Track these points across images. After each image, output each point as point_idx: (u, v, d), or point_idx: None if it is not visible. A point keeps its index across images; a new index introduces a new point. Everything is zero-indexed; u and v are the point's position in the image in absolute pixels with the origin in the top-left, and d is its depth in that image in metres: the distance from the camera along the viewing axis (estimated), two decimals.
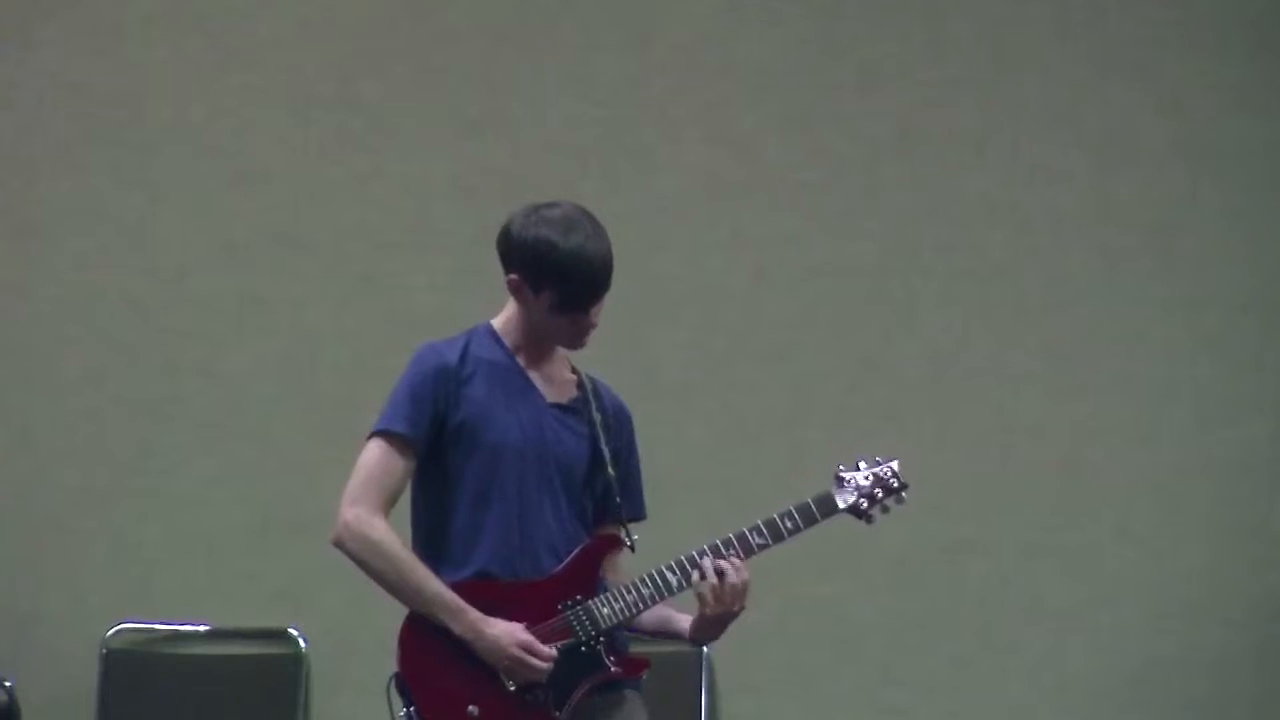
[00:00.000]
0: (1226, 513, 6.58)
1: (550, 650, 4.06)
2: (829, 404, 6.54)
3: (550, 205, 4.21)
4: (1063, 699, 6.47)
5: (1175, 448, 6.59)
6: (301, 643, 6.29)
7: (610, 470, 4.25)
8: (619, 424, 4.30)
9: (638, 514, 4.33)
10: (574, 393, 4.28)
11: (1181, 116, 6.66)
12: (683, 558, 4.14)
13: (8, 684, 6.06)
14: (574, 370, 4.32)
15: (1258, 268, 6.65)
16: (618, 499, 4.26)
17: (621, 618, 4.13)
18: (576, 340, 4.24)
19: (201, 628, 6.31)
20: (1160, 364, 6.61)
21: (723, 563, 4.12)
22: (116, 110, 6.48)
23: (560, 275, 4.13)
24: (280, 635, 6.31)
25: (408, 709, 4.06)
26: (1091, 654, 6.48)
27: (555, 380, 4.27)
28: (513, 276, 4.20)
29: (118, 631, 6.28)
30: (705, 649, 6.23)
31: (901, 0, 6.69)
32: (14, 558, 6.34)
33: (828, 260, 6.56)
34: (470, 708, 4.04)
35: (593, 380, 4.32)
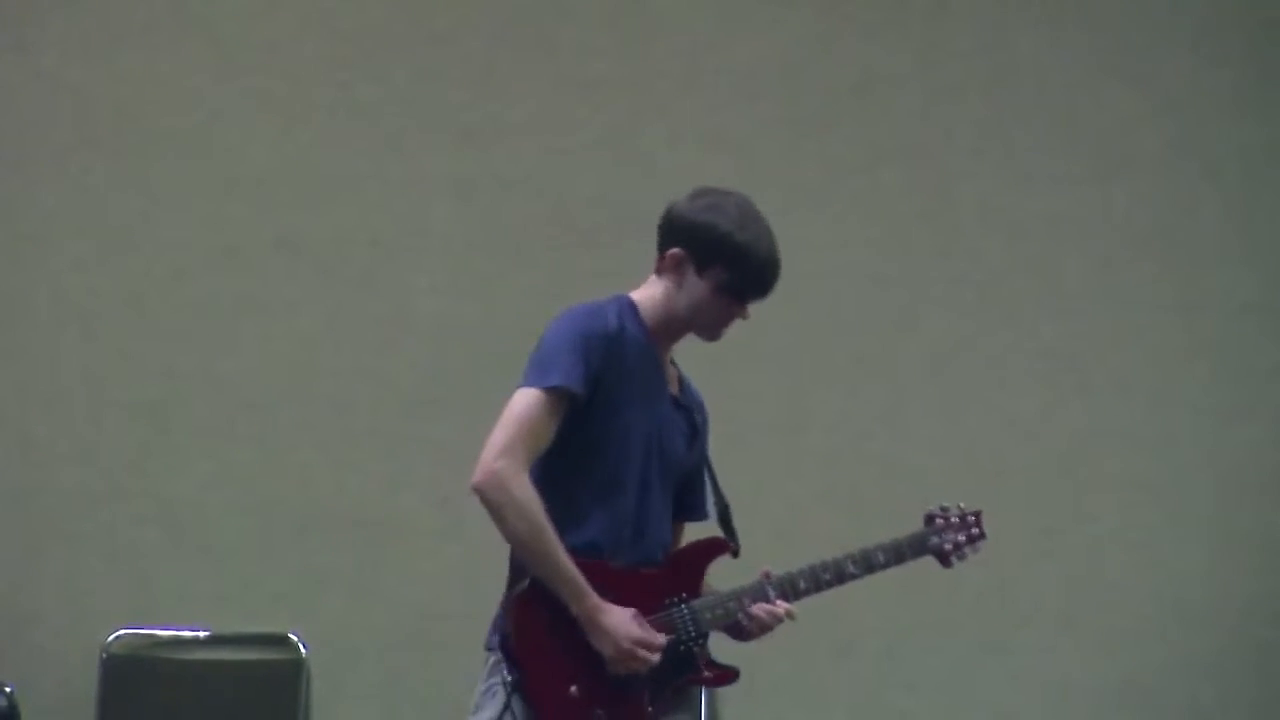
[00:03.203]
0: (1225, 517, 6.59)
1: (661, 641, 3.99)
2: (827, 408, 6.53)
3: (726, 192, 4.12)
4: (1062, 703, 6.47)
5: (1174, 451, 6.59)
6: (302, 648, 6.27)
7: (706, 473, 4.23)
8: (704, 422, 4.26)
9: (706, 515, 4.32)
10: (677, 388, 4.20)
11: (1179, 121, 6.67)
12: (781, 577, 4.13)
13: (7, 689, 6.06)
14: (672, 362, 4.23)
15: (1256, 271, 6.65)
16: (714, 501, 4.24)
17: (723, 625, 4.11)
18: (719, 331, 4.15)
19: (201, 633, 6.30)
20: (1158, 368, 6.62)
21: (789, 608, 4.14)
22: (114, 114, 6.47)
23: (735, 256, 4.03)
24: (280, 640, 6.30)
25: (512, 677, 3.97)
26: (1091, 658, 6.48)
27: (669, 372, 4.19)
28: (676, 251, 4.07)
29: (117, 637, 6.27)
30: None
31: (900, 5, 6.70)
32: (13, 562, 6.33)
33: (826, 265, 6.55)
34: (571, 688, 3.97)
35: (682, 375, 4.25)
